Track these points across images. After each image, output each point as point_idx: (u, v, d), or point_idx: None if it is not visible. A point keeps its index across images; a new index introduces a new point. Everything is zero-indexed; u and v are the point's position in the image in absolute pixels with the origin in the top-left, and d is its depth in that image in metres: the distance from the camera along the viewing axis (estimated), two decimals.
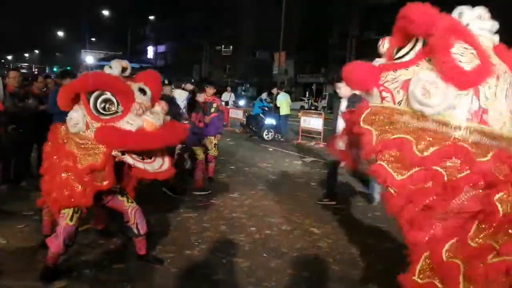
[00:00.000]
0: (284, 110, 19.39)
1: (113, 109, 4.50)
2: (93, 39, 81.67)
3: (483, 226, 2.48)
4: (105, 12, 73.35)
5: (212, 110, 9.82)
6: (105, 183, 4.67)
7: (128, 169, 4.96)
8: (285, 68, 44.86)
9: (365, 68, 3.06)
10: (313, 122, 19.19)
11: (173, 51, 78.64)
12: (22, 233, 6.20)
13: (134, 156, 4.58)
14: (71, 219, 4.81)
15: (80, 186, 4.62)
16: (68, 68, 37.92)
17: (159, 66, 73.38)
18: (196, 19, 64.79)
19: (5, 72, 8.74)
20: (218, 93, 10.29)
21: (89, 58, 54.46)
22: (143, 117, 4.50)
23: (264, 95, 20.89)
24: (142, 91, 4.64)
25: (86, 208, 4.91)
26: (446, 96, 2.53)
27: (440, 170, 2.56)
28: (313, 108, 45.98)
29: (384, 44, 3.26)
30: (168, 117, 4.87)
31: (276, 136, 18.93)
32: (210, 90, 9.98)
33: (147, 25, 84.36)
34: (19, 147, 8.50)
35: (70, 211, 4.80)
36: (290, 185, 10.30)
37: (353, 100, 7.68)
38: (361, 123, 2.97)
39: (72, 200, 4.67)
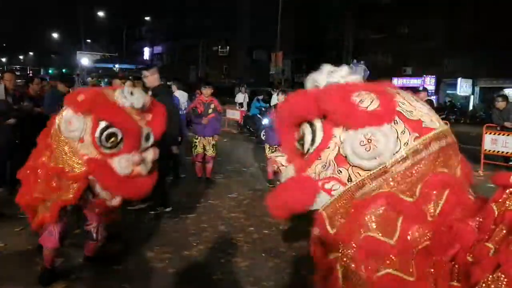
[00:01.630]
0: None
1: (114, 141, 4.42)
2: (88, 40, 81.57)
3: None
4: (100, 13, 73.31)
5: (210, 111, 9.84)
6: (69, 197, 4.51)
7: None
8: (282, 68, 44.78)
9: (295, 187, 2.73)
10: None
11: (170, 51, 78.54)
12: (20, 236, 6.18)
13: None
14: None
15: (36, 194, 4.59)
16: (64, 70, 37.88)
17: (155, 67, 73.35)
18: (192, 19, 64.75)
19: (0, 74, 8.71)
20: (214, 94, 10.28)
21: (85, 60, 54.24)
22: (135, 166, 4.51)
23: (261, 96, 20.94)
24: (147, 137, 4.63)
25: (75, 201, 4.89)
26: (386, 135, 2.38)
27: (424, 208, 2.39)
28: None
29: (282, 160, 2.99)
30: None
31: None
32: (208, 91, 10.02)
33: (143, 25, 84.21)
34: (14, 150, 8.47)
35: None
36: None
37: (157, 92, 7.23)
38: (330, 231, 2.62)
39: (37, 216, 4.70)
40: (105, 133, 4.37)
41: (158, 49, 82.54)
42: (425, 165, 2.42)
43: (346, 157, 2.49)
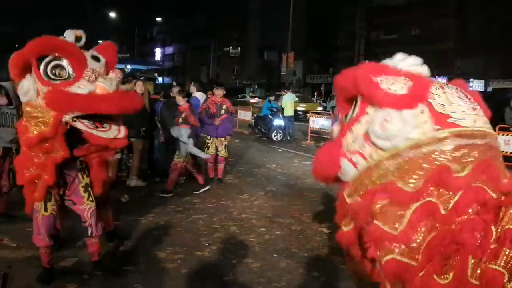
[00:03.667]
0: (289, 111, 19.39)
1: (64, 74, 4.28)
2: (100, 41, 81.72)
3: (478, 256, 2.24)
4: (112, 14, 73.52)
5: (222, 111, 9.85)
6: (59, 153, 4.44)
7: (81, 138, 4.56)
8: (293, 69, 44.76)
9: (327, 151, 2.95)
10: (322, 123, 19.18)
11: (181, 52, 78.70)
12: (31, 236, 6.18)
13: (86, 123, 4.36)
14: (45, 210, 4.76)
15: (40, 157, 4.48)
16: None
17: (167, 68, 73.49)
18: (204, 20, 64.85)
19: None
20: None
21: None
22: (96, 83, 4.31)
23: (272, 97, 21.00)
24: (95, 58, 4.48)
25: (57, 191, 4.85)
26: (404, 119, 2.44)
27: (434, 200, 2.37)
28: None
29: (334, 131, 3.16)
30: (124, 87, 4.70)
31: (284, 137, 18.92)
32: (220, 92, 10.05)
33: (154, 26, 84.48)
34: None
35: (42, 202, 4.75)
36: (300, 186, 10.29)
37: None
38: (347, 200, 2.80)
39: (36, 177, 4.59)
40: (50, 66, 4.27)
41: (169, 49, 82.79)
42: (437, 157, 2.42)
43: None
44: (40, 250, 4.95)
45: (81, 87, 4.24)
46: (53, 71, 4.28)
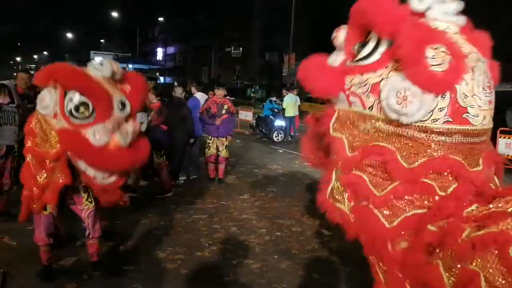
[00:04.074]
0: (290, 111, 19.34)
1: (86, 114, 4.22)
2: (102, 40, 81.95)
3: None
4: (114, 14, 73.54)
5: (223, 111, 9.85)
6: (61, 179, 4.46)
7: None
8: (294, 70, 44.68)
9: (327, 73, 2.87)
10: None
11: (182, 52, 78.66)
12: (31, 235, 6.14)
13: None
14: (44, 209, 4.78)
15: (43, 177, 4.53)
16: None
17: (168, 68, 73.46)
18: (205, 20, 64.83)
19: (14, 74, 8.72)
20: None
21: (98, 60, 54.49)
22: (112, 136, 4.32)
23: (273, 97, 20.98)
24: (122, 104, 4.41)
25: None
26: (423, 103, 2.34)
27: (431, 182, 2.38)
28: None
29: (339, 37, 3.04)
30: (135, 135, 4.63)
31: (285, 138, 18.90)
32: (221, 92, 10.05)
33: (156, 26, 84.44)
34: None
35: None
36: (300, 187, 10.25)
37: None
38: (331, 131, 2.80)
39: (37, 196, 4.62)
40: (74, 102, 4.22)
41: (171, 49, 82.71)
42: (439, 148, 2.42)
43: (380, 92, 2.50)
44: (40, 248, 4.98)
45: (95, 135, 4.23)
46: (77, 107, 4.23)
